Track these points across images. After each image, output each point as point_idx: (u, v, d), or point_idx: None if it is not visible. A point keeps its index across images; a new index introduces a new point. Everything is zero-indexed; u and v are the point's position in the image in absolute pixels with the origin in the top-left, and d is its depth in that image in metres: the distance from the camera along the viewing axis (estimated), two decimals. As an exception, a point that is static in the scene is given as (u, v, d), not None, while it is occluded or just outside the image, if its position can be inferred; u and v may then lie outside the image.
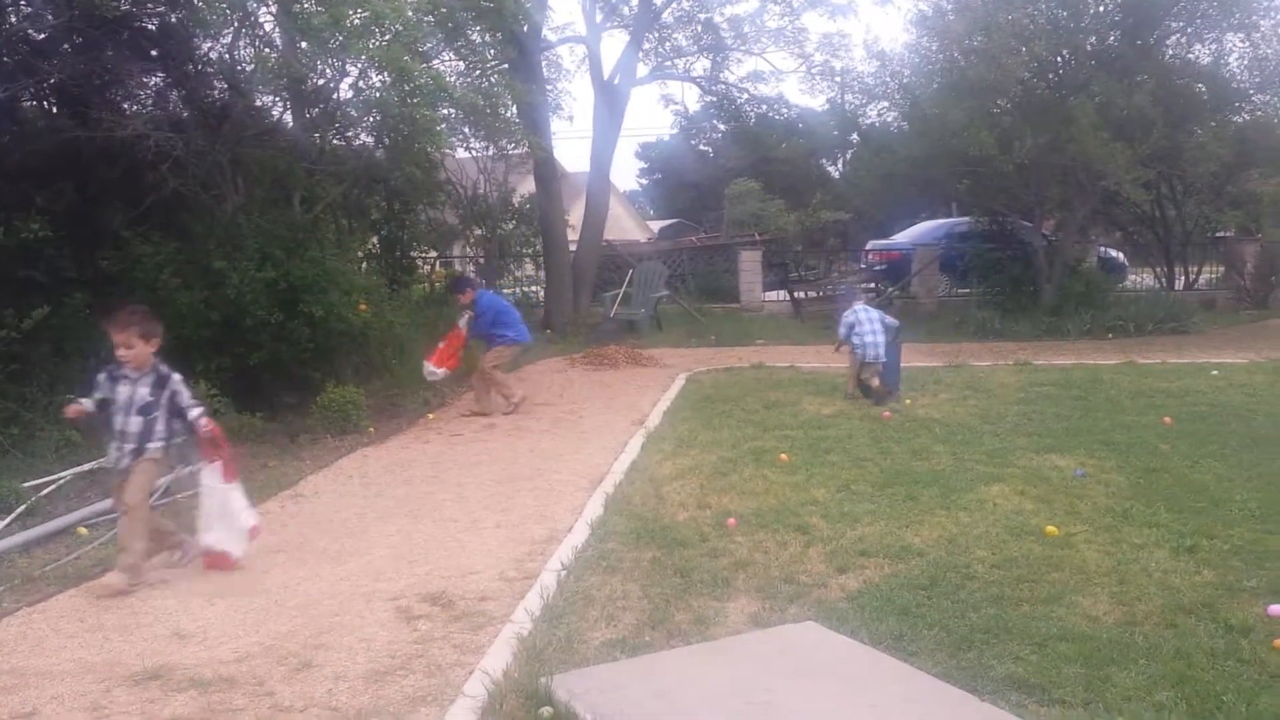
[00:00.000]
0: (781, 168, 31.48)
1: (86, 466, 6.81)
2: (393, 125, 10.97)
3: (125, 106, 10.58)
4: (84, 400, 5.06)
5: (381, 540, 5.72)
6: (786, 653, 3.81)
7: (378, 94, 10.06)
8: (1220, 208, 20.05)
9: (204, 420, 5.06)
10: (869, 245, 22.88)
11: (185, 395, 5.07)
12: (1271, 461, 6.73)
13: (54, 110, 10.43)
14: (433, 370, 9.55)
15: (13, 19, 9.15)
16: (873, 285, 20.12)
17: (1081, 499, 5.99)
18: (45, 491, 6.40)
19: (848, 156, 34.69)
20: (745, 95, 19.81)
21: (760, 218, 30.20)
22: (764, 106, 20.28)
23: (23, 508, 6.09)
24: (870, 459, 7.19)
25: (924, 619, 4.20)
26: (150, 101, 10.97)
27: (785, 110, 20.45)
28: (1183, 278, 20.80)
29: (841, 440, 7.84)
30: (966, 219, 20.48)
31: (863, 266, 21.66)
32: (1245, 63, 14.67)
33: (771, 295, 20.06)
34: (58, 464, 6.92)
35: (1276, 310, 18.10)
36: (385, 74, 9.63)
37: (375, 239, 16.10)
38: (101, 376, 5.03)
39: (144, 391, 4.96)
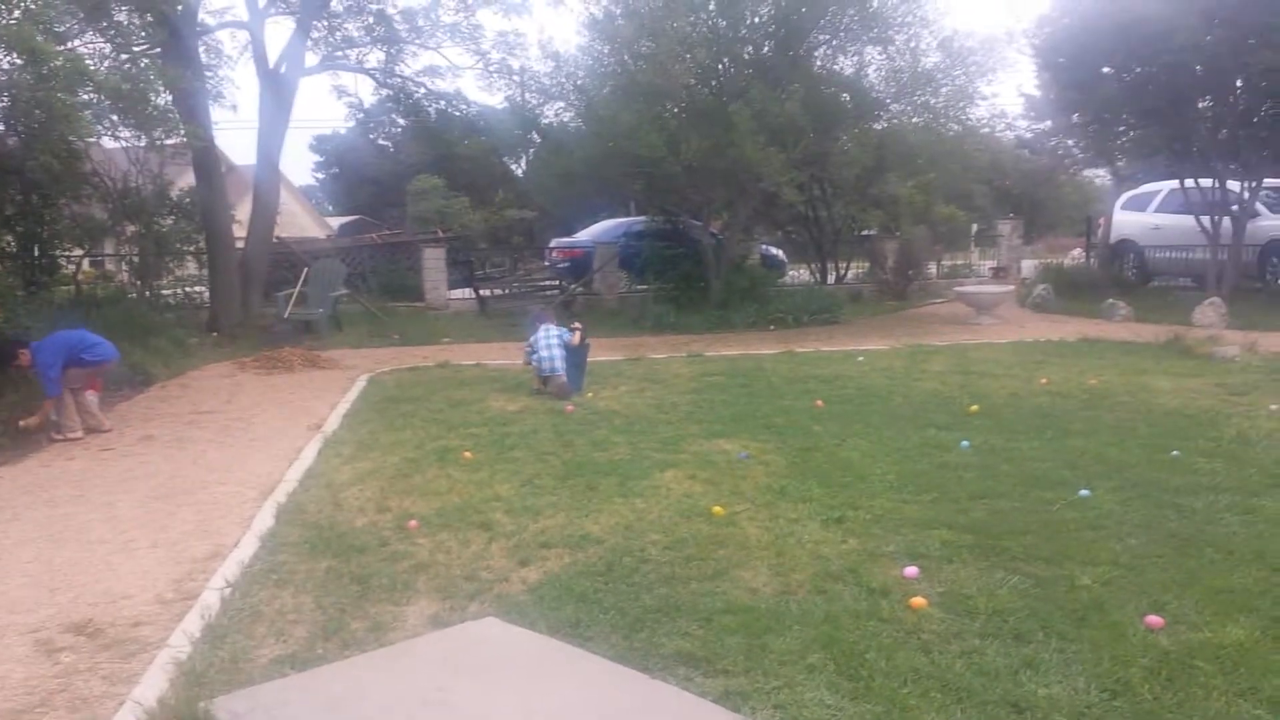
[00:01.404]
0: (464, 165, 31.25)
1: None
2: (25, 110, 9.91)
3: None
4: None
5: (16, 568, 5.11)
6: (465, 650, 3.77)
7: (6, 76, 9.03)
8: (864, 208, 22.05)
9: None
10: (552, 243, 23.25)
11: None
12: (907, 438, 7.47)
13: None
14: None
15: None
16: (557, 282, 20.46)
17: (744, 479, 6.37)
18: None
19: (529, 155, 35.13)
20: (423, 90, 19.49)
21: (444, 215, 29.92)
22: (443, 102, 20.02)
23: None
24: (553, 452, 7.29)
25: (600, 604, 4.30)
26: None
27: (465, 107, 20.28)
28: (834, 273, 22.72)
29: (526, 435, 7.89)
30: (642, 218, 21.31)
31: (546, 264, 21.97)
32: (883, 74, 16.18)
33: (457, 293, 19.89)
34: None
35: (914, 301, 20.18)
36: (15, 55, 8.66)
37: (9, 236, 14.45)
38: None
39: None
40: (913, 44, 15.69)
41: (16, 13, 8.36)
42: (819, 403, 8.97)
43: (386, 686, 3.42)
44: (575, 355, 9.92)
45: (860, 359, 11.99)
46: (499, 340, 14.85)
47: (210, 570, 4.97)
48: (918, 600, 4.21)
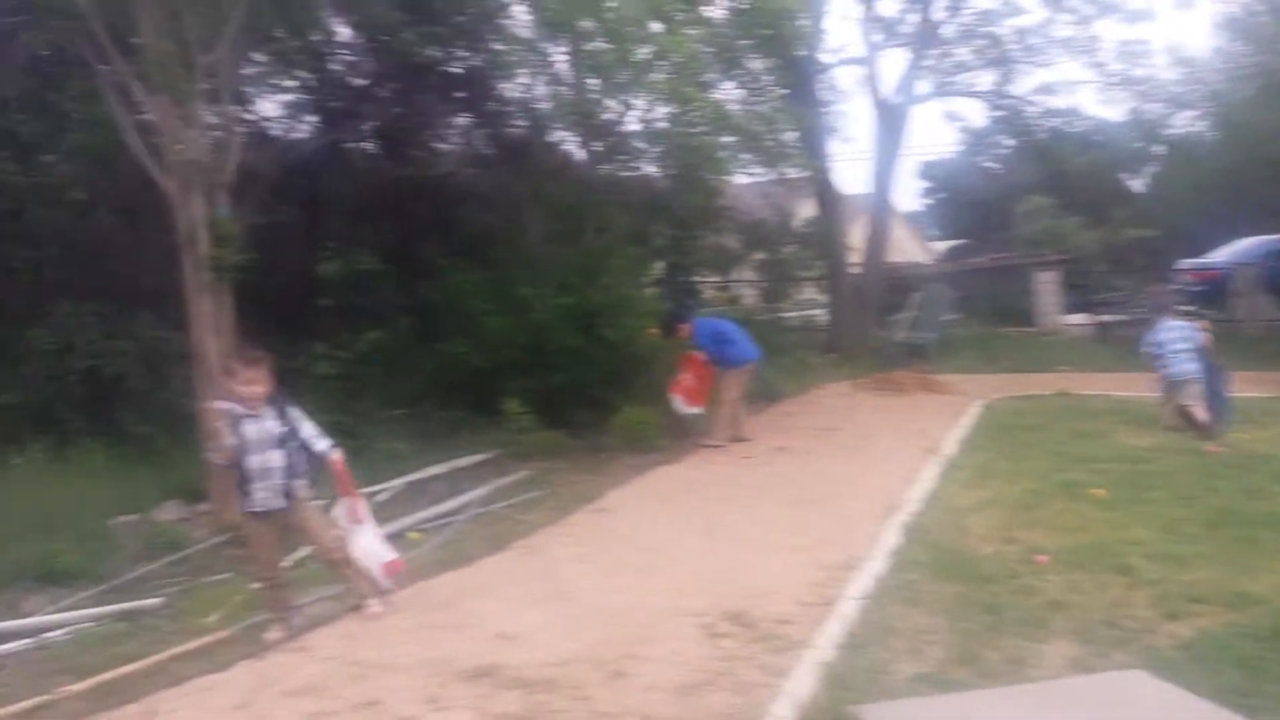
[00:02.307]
0: (1077, 183, 29.54)
1: (415, 476, 7.40)
2: (677, 155, 11.29)
3: (437, 146, 11.53)
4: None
5: (682, 557, 5.83)
6: (1113, 702, 3.52)
7: (662, 125, 10.39)
8: None
9: (334, 454, 4.84)
10: (1182, 264, 21.03)
11: (309, 426, 4.85)
12: None
13: (374, 152, 11.53)
14: (683, 406, 9.59)
15: (335, 68, 10.16)
16: (1188, 307, 18.47)
17: None
18: (379, 498, 6.99)
19: (1151, 169, 32.19)
20: (1036, 108, 18.82)
21: (1056, 236, 28.51)
22: (1056, 119, 19.17)
23: (361, 512, 6.68)
24: (1197, 496, 6.57)
25: (1266, 673, 3.81)
26: (458, 140, 11.90)
27: (1080, 122, 19.24)
28: None
29: (1163, 475, 7.22)
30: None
31: (1175, 287, 19.94)
32: None
33: (1071, 318, 18.86)
34: (388, 473, 7.56)
35: None
36: (670, 105, 9.91)
37: (661, 265, 16.55)
38: (223, 423, 4.63)
39: (271, 425, 4.66)
40: None
41: (672, 69, 9.51)
42: None
43: (1032, 724, 3.32)
44: (1213, 381, 8.81)
45: None
46: (1121, 370, 13.72)
47: (844, 579, 5.23)
48: None
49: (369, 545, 5.00)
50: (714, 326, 9.82)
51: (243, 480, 4.60)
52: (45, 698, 3.78)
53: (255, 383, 4.54)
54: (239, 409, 4.57)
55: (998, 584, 5.00)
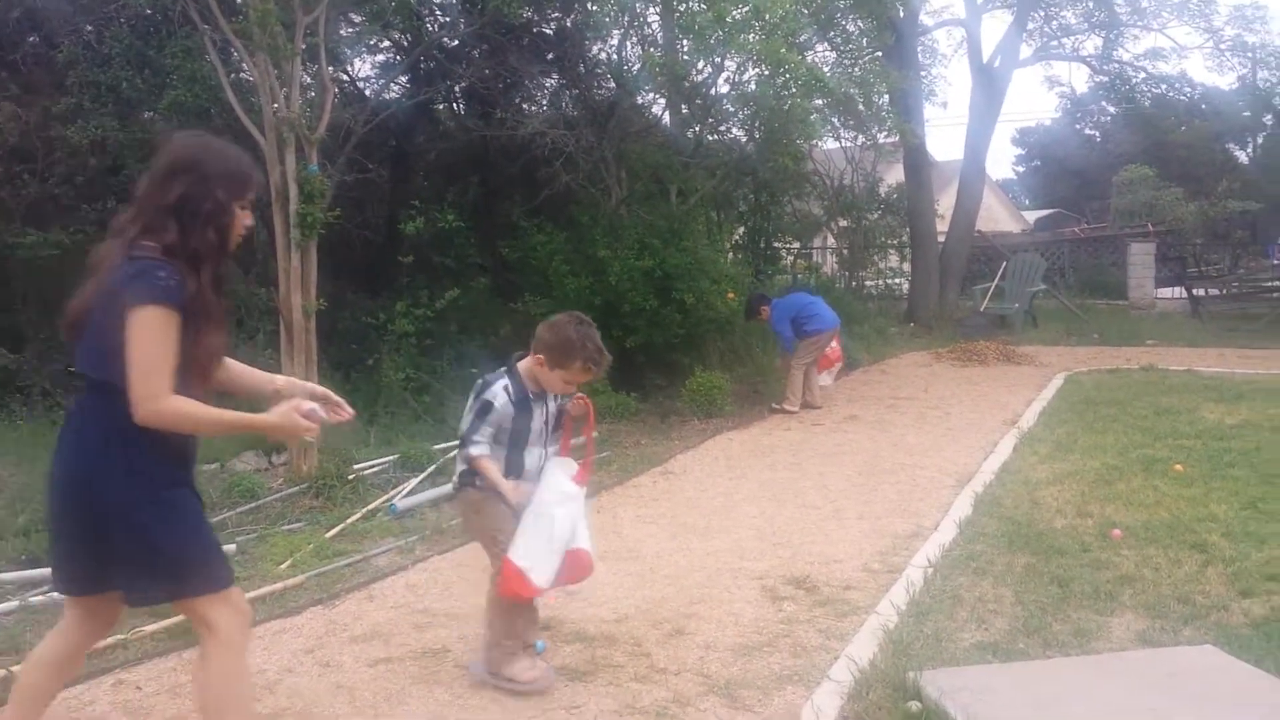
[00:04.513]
0: (1179, 152, 28.57)
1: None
2: (765, 118, 11.16)
3: (525, 107, 11.59)
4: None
5: (746, 520, 5.87)
6: (1180, 676, 3.49)
7: (753, 87, 10.27)
8: None
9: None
10: (1282, 239, 20.26)
11: None
12: None
13: (462, 111, 11.63)
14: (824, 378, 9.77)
15: (430, 27, 10.26)
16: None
17: None
18: (452, 454, 7.15)
19: (1259, 140, 30.85)
20: (1142, 74, 18.20)
21: (1153, 207, 27.63)
22: (1162, 86, 18.54)
23: (433, 467, 6.85)
24: (1280, 475, 6.39)
25: (1343, 654, 3.69)
26: (546, 101, 11.94)
27: (1187, 90, 18.58)
28: None
29: (1248, 453, 7.01)
30: None
31: (1275, 262, 19.22)
32: None
33: (1165, 292, 18.32)
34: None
35: None
36: (762, 67, 9.79)
37: (742, 229, 16.48)
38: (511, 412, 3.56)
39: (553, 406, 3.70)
40: None
41: (766, 29, 9.37)
42: None
43: (1094, 695, 3.30)
44: None
45: None
46: (1214, 345, 13.38)
47: (911, 548, 5.22)
48: None
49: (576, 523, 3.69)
50: (793, 304, 9.76)
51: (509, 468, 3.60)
52: (121, 636, 3.96)
53: (575, 384, 3.66)
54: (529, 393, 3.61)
55: (1069, 557, 4.94)
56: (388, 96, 10.62)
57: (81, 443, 2.61)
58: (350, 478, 6.43)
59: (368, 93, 10.80)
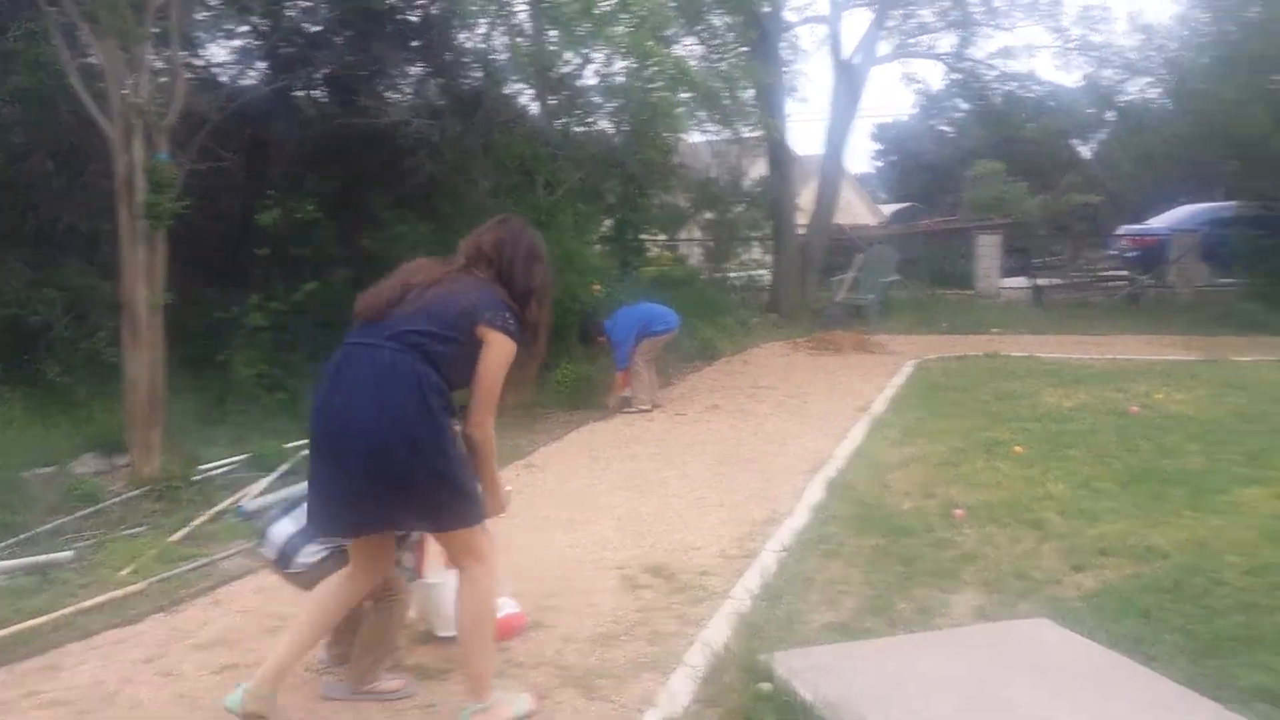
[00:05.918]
0: (1027, 148, 29.82)
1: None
2: (633, 110, 11.24)
3: (388, 96, 11.36)
4: None
5: (608, 512, 5.93)
6: (1017, 648, 3.68)
7: (621, 79, 10.32)
8: None
9: None
10: (1123, 230, 21.42)
11: None
12: None
13: (323, 99, 11.33)
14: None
15: (290, 13, 9.97)
16: (1124, 273, 18.88)
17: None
18: (304, 453, 6.97)
19: (1101, 136, 32.51)
20: (994, 72, 18.99)
21: (1001, 201, 28.85)
22: (1014, 84, 19.37)
23: (285, 466, 6.67)
24: (1114, 455, 6.78)
25: (1166, 623, 3.96)
26: (411, 90, 11.73)
27: (1035, 87, 19.46)
28: None
29: (1083, 434, 7.44)
30: (1232, 204, 18.83)
31: (1112, 253, 20.34)
32: None
33: (1009, 282, 19.19)
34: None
35: None
36: (629, 60, 9.85)
37: (609, 222, 16.52)
38: None
39: None
40: None
41: (633, 22, 9.41)
42: None
43: (938, 669, 3.45)
44: None
45: None
46: (1054, 333, 14.11)
47: (767, 534, 5.36)
48: None
49: None
50: (642, 314, 9.56)
51: None
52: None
53: None
54: None
55: (914, 537, 5.15)
56: (245, 83, 10.27)
57: (404, 392, 3.01)
58: (196, 479, 6.22)
59: (224, 79, 10.41)
